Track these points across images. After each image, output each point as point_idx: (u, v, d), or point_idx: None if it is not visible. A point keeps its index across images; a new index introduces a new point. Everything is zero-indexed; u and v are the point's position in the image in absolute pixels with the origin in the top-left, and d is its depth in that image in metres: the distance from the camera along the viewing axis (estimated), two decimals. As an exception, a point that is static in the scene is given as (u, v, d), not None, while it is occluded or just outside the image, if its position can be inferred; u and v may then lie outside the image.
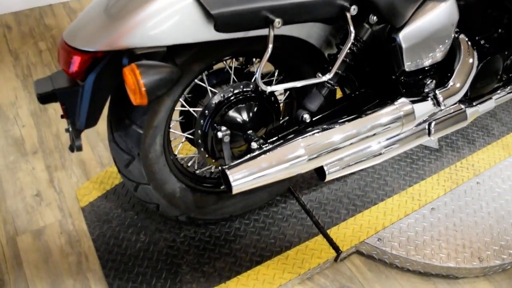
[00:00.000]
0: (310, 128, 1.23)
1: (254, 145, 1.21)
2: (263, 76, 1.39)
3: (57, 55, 1.08)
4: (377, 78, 1.37)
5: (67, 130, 1.15)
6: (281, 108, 1.40)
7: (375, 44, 1.27)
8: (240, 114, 1.26)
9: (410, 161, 1.80)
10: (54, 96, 1.05)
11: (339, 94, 1.53)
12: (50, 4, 2.86)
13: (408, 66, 1.32)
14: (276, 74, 1.38)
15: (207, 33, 1.02)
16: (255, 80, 1.09)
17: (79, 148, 1.13)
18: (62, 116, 1.10)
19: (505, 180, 1.76)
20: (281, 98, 1.44)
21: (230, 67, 1.28)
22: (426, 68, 1.38)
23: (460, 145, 1.89)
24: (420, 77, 1.37)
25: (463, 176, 1.76)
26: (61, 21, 2.73)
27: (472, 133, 1.96)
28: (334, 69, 1.17)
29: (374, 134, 1.26)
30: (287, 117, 1.48)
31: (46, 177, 1.74)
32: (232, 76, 1.27)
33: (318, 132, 1.21)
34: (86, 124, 1.08)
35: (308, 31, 1.20)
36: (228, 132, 1.21)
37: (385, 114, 1.27)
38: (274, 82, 1.37)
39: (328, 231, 1.52)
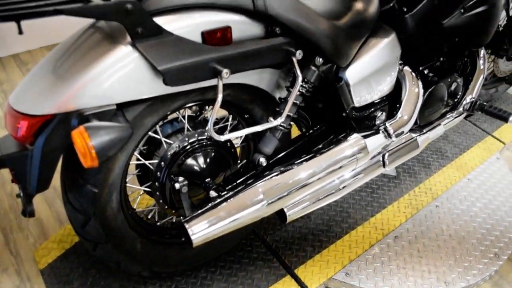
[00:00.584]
0: (267, 172, 1.24)
1: (212, 193, 1.20)
2: (217, 121, 1.40)
3: (4, 120, 1.06)
4: (329, 115, 1.40)
5: (18, 196, 1.12)
6: (237, 152, 1.41)
7: (324, 83, 1.31)
8: (197, 162, 1.26)
9: (370, 190, 1.83)
10: (3, 162, 1.02)
11: (296, 130, 1.56)
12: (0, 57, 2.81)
13: (358, 101, 1.36)
14: (230, 119, 1.39)
15: (156, 87, 1.03)
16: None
17: (32, 214, 1.10)
18: (12, 181, 1.07)
19: (462, 201, 1.82)
20: (237, 142, 1.45)
21: (184, 116, 1.28)
22: (376, 102, 1.43)
23: (417, 170, 1.95)
24: (370, 111, 1.41)
25: (422, 201, 1.80)
26: (11, 74, 2.68)
27: (427, 157, 2.02)
28: (285, 113, 1.19)
29: (330, 172, 1.29)
30: (245, 160, 1.49)
31: (1, 240, 1.67)
32: (186, 125, 1.27)
33: (275, 175, 1.22)
34: (37, 189, 1.05)
35: (258, 77, 1.22)
36: (186, 182, 1.20)
37: (339, 151, 1.30)
38: (228, 128, 1.38)
39: (295, 271, 1.51)
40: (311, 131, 1.43)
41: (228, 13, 1.07)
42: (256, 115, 1.31)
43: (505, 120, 1.71)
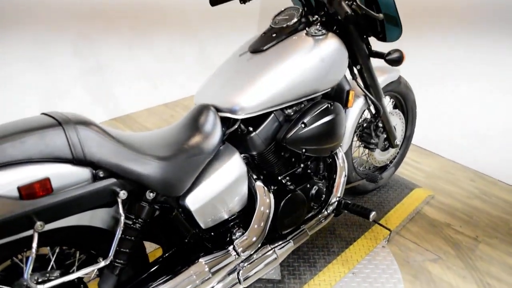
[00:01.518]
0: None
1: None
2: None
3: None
4: (175, 240, 1.43)
5: None
6: None
7: (163, 211, 1.35)
8: None
9: (253, 299, 1.83)
10: None
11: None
12: None
13: (205, 224, 1.41)
14: (77, 254, 1.38)
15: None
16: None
17: None
18: None
19: (345, 298, 1.85)
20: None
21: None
22: (228, 220, 1.48)
23: (302, 270, 1.98)
24: (222, 230, 1.46)
25: (305, 304, 1.82)
26: None
27: (313, 255, 2.07)
28: (111, 252, 1.20)
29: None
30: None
31: None
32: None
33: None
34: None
35: (90, 217, 1.25)
36: None
37: (183, 279, 1.32)
38: (76, 264, 1.36)
39: None
40: (166, 254, 1.45)
41: (46, 164, 1.11)
42: (101, 249, 1.32)
43: (366, 217, 1.80)
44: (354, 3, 1.57)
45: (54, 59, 2.79)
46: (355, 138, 2.27)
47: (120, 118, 3.32)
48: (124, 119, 3.31)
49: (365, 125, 2.21)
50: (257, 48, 1.63)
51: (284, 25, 1.68)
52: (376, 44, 1.96)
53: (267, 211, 1.54)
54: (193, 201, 1.36)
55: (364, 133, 2.21)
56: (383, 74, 2.16)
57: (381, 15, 1.59)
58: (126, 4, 3.00)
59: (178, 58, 3.54)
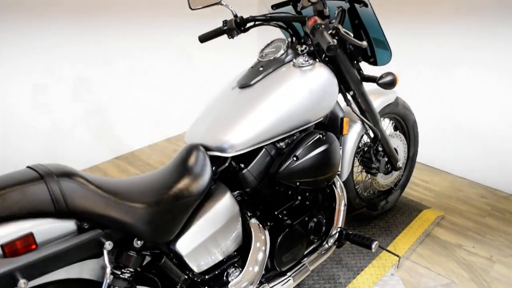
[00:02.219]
0: None
1: None
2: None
3: None
4: (169, 284, 1.39)
5: None
6: None
7: (154, 257, 1.32)
8: None
9: None
10: None
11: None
12: None
13: (198, 267, 1.37)
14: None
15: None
16: None
17: None
18: None
19: (354, 333, 1.78)
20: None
21: None
22: (223, 261, 1.45)
23: (308, 306, 1.92)
24: (216, 272, 1.42)
25: None
26: None
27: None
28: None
29: None
30: None
31: None
32: None
33: None
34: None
35: (79, 269, 1.23)
36: None
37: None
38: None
39: None
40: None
41: (29, 220, 1.10)
42: None
43: (369, 247, 1.75)
44: (339, 31, 1.56)
45: (53, 103, 2.82)
46: (357, 163, 2.24)
47: (123, 156, 3.34)
48: (127, 157, 3.32)
49: (365, 149, 2.17)
50: (245, 83, 1.62)
51: (271, 58, 1.68)
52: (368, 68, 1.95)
53: (263, 248, 1.50)
54: (184, 246, 1.33)
55: (365, 158, 2.18)
56: (380, 97, 2.13)
57: (364, 43, 1.58)
58: (120, 39, 3.05)
59: (177, 92, 3.56)
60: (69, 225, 1.16)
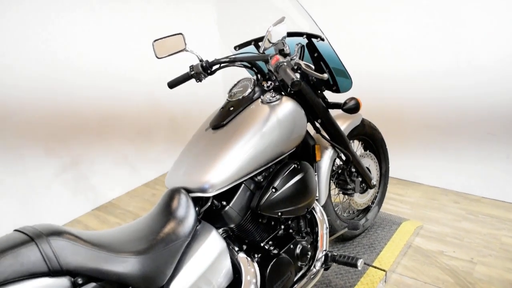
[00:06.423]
0: None
1: None
2: None
3: None
4: None
5: None
6: None
7: None
8: None
9: None
10: None
11: None
12: None
13: (194, 309, 1.40)
14: None
15: None
16: None
17: None
18: None
19: None
20: None
21: None
22: (217, 298, 1.48)
23: (305, 331, 1.95)
24: (212, 310, 1.45)
25: None
26: None
27: (312, 313, 2.04)
28: None
29: None
30: None
31: None
32: None
33: None
34: None
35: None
36: None
37: None
38: None
39: None
40: None
41: (24, 282, 1.12)
42: None
43: (355, 266, 1.81)
44: (301, 66, 1.66)
45: (26, 163, 2.82)
46: (333, 186, 2.32)
47: (102, 206, 3.32)
48: (106, 207, 3.31)
49: (339, 172, 2.26)
50: (218, 123, 1.69)
51: (240, 97, 1.76)
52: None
53: (254, 281, 1.54)
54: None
55: (340, 180, 2.26)
56: (346, 121, 2.24)
57: (325, 75, 1.68)
58: (91, 97, 3.09)
59: (149, 136, 3.61)
60: (63, 282, 1.18)
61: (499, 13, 2.65)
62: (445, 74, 2.94)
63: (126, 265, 1.24)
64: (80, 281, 1.19)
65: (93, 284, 1.19)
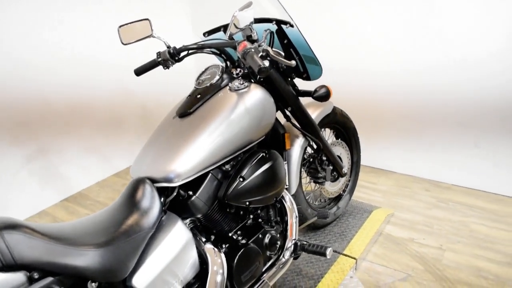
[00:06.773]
0: None
1: None
2: None
3: None
4: None
5: None
6: None
7: None
8: None
9: None
10: None
11: None
12: None
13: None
14: None
15: None
16: None
17: None
18: None
19: None
20: None
21: None
22: (183, 289, 1.45)
23: (275, 320, 1.94)
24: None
25: None
26: None
27: (283, 302, 2.04)
28: None
29: None
30: None
31: None
32: None
33: None
34: None
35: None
36: None
37: None
38: None
39: None
40: None
41: None
42: None
43: (323, 255, 1.81)
44: (269, 53, 1.63)
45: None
46: (305, 175, 2.30)
47: (71, 197, 3.25)
48: (76, 198, 3.24)
49: (310, 160, 2.25)
50: (184, 111, 1.65)
51: (208, 84, 1.71)
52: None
53: (221, 271, 1.52)
54: (140, 281, 1.32)
55: (311, 168, 2.25)
56: (318, 109, 2.22)
57: (293, 62, 1.65)
58: (59, 84, 2.99)
59: (120, 125, 3.53)
60: (18, 277, 1.13)
61: (469, 6, 2.66)
62: (418, 68, 2.95)
63: (85, 258, 1.20)
64: (36, 275, 1.14)
65: (50, 278, 1.15)
